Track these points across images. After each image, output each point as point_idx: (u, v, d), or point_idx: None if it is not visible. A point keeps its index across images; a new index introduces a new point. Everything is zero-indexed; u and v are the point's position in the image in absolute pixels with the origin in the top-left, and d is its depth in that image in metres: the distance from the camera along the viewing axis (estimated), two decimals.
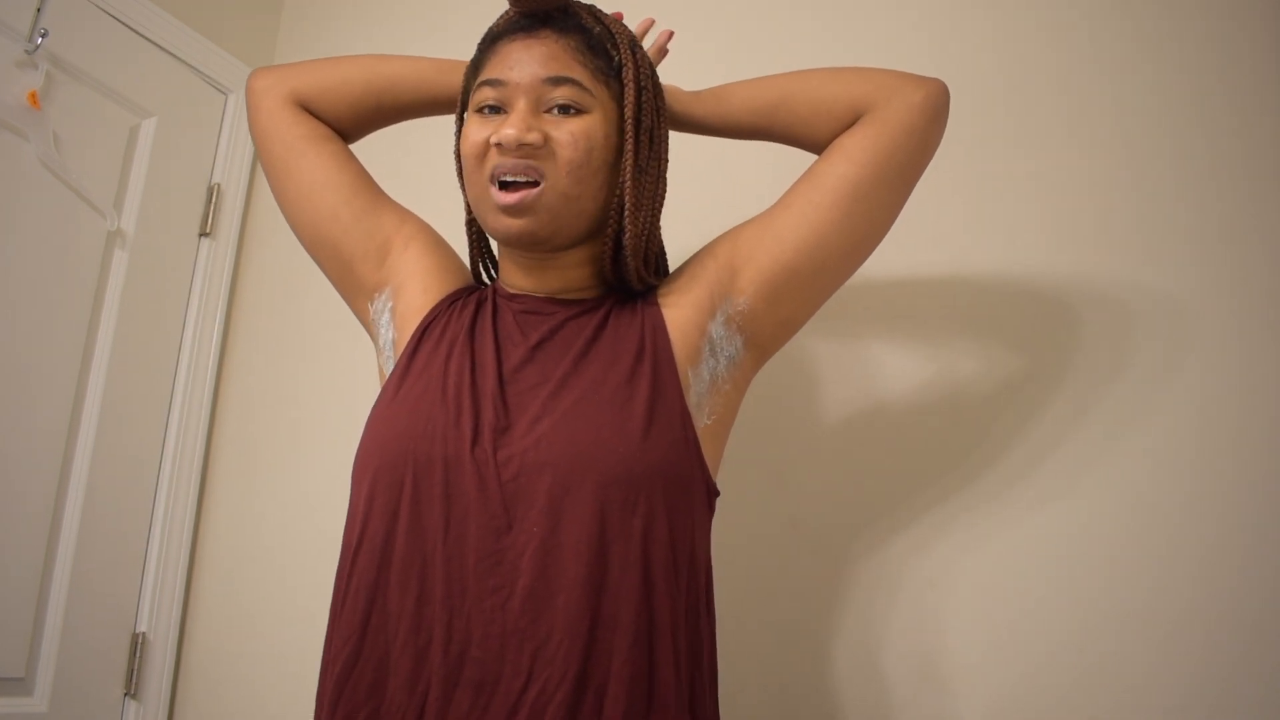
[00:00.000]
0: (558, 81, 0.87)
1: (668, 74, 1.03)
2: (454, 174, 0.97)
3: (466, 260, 1.04)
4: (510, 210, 0.85)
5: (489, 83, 0.88)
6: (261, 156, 1.04)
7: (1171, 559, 1.06)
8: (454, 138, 0.97)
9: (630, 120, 0.90)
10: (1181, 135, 1.18)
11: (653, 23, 1.09)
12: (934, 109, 0.94)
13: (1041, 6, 1.30)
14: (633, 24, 1.04)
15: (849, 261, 0.95)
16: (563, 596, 0.78)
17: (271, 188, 1.03)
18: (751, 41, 1.49)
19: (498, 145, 0.85)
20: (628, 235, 0.90)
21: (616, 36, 0.92)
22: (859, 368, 1.28)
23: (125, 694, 1.65)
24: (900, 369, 1.26)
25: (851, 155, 0.92)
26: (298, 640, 1.59)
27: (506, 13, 0.92)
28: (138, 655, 1.66)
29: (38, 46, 1.56)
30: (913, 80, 0.95)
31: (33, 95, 1.55)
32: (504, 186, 0.86)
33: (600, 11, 0.95)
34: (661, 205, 0.96)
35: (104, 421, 1.66)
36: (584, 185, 0.87)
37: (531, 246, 0.89)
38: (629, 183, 0.89)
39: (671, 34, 1.09)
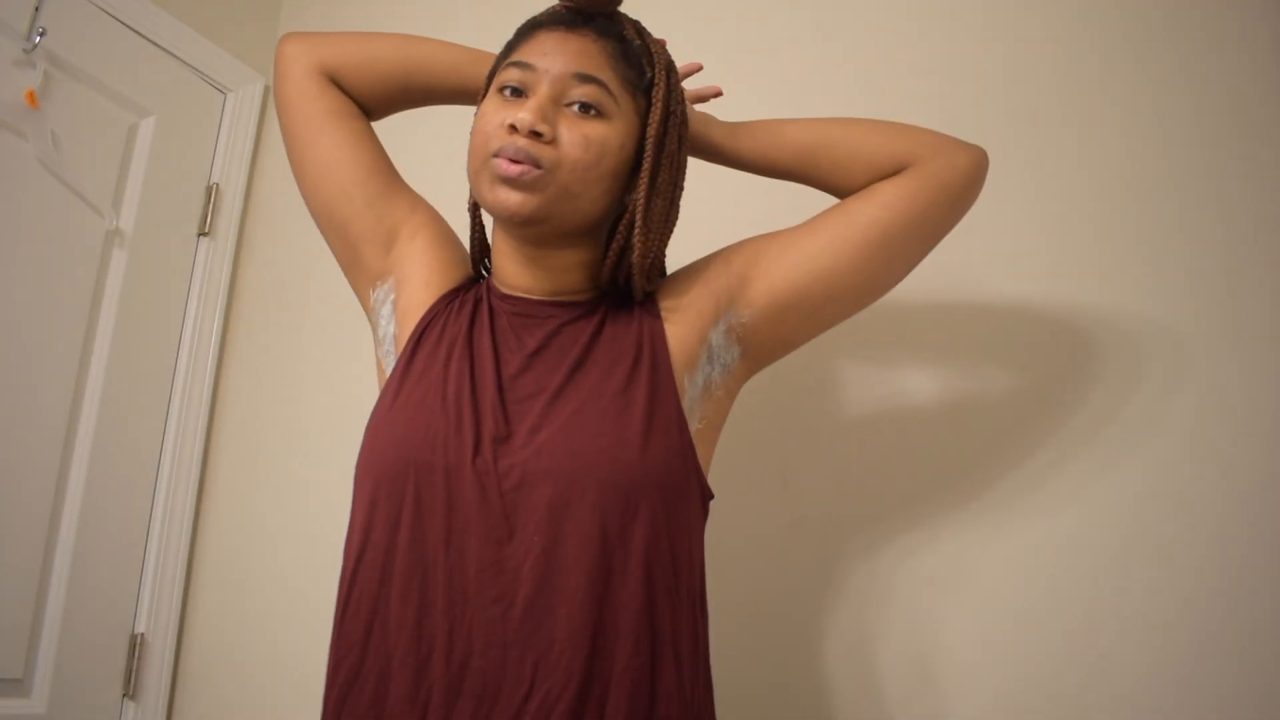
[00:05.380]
0: (584, 79, 0.86)
1: None
2: (461, 162, 0.94)
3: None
4: (510, 181, 0.84)
5: (517, 64, 0.88)
6: (282, 125, 1.02)
7: (1167, 563, 1.07)
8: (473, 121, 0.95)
9: (653, 140, 0.89)
10: (1185, 161, 1.19)
11: (700, 68, 1.07)
12: (975, 173, 0.95)
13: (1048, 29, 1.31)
14: (678, 59, 1.00)
15: (858, 301, 0.96)
16: (564, 607, 0.78)
17: (289, 157, 1.02)
18: (751, 49, 1.49)
19: (511, 127, 0.84)
20: (636, 254, 0.89)
21: (654, 55, 0.92)
22: (866, 374, 1.29)
23: (124, 695, 1.65)
24: (907, 377, 1.27)
25: (889, 202, 0.92)
26: (297, 641, 1.59)
27: (553, 7, 0.92)
28: (136, 656, 1.66)
29: (36, 45, 1.56)
30: (958, 143, 0.95)
31: (30, 94, 1.55)
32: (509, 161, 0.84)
33: (644, 29, 0.94)
34: (672, 231, 0.95)
35: (103, 421, 1.65)
36: (587, 187, 0.86)
37: (525, 226, 0.87)
38: (642, 201, 0.88)
39: (719, 92, 1.05)
